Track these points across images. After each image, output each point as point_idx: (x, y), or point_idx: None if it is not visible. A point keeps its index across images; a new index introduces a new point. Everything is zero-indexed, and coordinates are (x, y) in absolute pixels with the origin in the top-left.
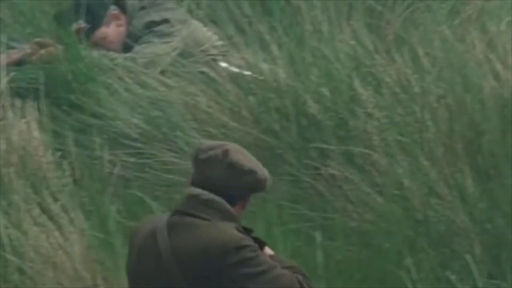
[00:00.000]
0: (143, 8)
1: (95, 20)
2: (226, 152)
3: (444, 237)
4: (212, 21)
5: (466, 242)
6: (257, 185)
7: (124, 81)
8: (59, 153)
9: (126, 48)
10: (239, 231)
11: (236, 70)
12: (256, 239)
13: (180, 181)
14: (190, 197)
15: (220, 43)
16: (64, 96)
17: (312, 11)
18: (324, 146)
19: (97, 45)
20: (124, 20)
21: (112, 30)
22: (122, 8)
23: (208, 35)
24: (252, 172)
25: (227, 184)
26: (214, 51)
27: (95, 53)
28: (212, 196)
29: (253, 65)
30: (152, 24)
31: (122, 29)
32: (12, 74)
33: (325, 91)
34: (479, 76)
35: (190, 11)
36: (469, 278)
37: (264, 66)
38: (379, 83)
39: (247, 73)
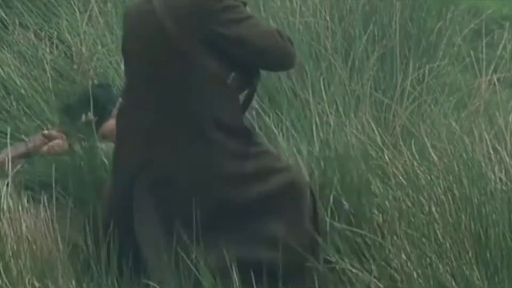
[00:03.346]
0: None
1: (103, 112)
2: None
3: None
4: None
5: None
6: None
7: None
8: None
9: None
10: None
11: None
12: None
13: None
14: None
15: None
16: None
17: (320, 104)
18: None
19: (105, 137)
20: None
21: None
22: None
23: None
24: None
25: None
26: None
27: (104, 146)
28: None
29: None
30: None
31: None
32: (19, 166)
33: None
34: (486, 168)
35: None
36: None
37: None
38: (387, 176)
39: None
